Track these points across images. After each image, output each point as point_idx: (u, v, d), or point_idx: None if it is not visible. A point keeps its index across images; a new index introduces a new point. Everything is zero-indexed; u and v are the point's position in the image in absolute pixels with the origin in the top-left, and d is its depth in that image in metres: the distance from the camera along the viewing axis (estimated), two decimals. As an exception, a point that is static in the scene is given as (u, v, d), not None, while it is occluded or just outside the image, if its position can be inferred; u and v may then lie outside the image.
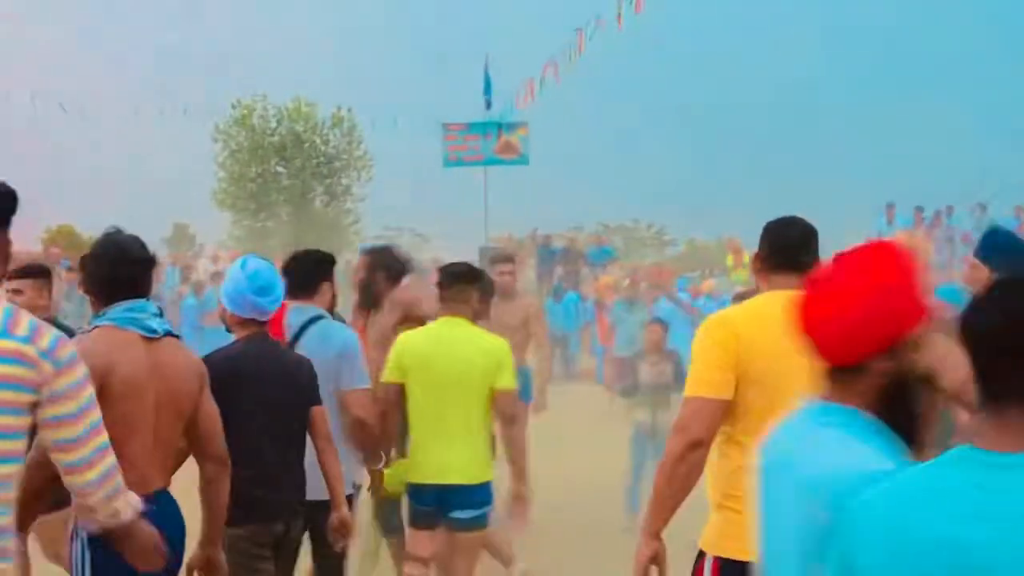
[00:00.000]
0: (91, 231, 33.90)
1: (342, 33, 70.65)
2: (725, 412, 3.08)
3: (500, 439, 5.04)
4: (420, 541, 4.80)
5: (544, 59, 20.54)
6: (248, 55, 66.80)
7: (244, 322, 4.11)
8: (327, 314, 4.72)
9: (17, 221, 2.63)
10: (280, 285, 4.16)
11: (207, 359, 3.81)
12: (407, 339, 4.79)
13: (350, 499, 4.54)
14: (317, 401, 4.19)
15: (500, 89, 22.80)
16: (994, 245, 4.02)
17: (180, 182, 49.34)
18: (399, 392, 4.71)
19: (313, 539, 4.45)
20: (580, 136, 53.33)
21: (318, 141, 41.61)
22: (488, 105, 22.64)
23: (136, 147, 59.52)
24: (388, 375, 4.76)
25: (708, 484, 3.22)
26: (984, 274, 3.79)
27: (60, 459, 2.64)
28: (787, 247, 3.22)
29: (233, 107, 40.25)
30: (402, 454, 4.98)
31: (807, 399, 1.99)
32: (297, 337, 4.56)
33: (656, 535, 3.13)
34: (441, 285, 4.80)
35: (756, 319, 3.14)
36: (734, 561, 2.95)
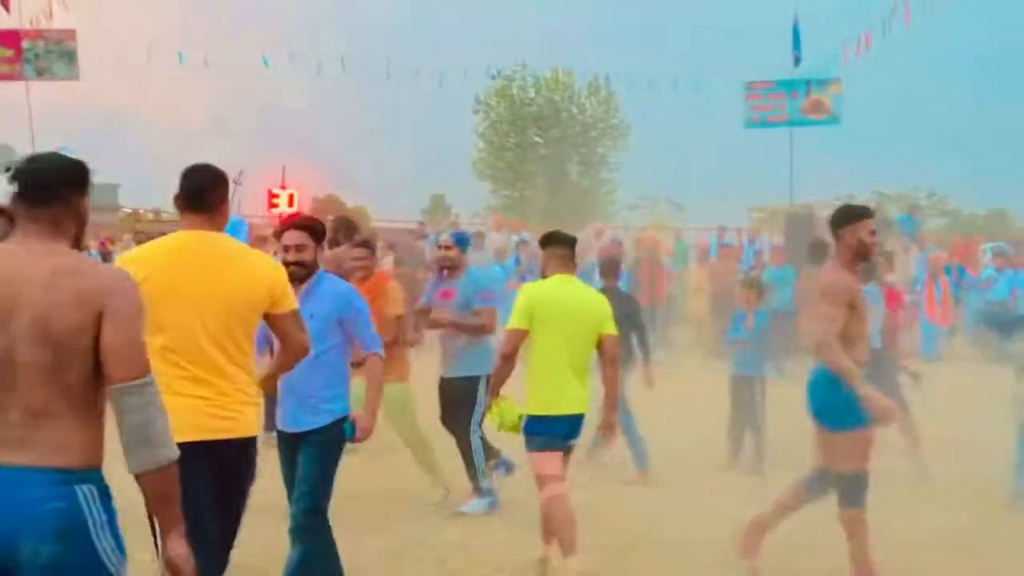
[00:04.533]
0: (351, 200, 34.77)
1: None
2: None
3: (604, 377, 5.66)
4: (554, 461, 5.40)
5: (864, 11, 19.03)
6: (501, 21, 65.80)
7: None
8: None
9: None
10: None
11: None
12: (535, 291, 5.55)
13: None
14: None
15: (810, 47, 21.47)
16: None
17: (437, 152, 49.87)
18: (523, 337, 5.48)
19: None
20: (900, 96, 47.58)
21: (575, 111, 41.34)
22: (796, 62, 21.39)
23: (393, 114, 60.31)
24: (517, 322, 5.45)
25: None
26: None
27: None
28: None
29: (493, 78, 40.44)
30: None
31: None
32: None
33: None
34: (552, 247, 5.61)
35: None
36: None
